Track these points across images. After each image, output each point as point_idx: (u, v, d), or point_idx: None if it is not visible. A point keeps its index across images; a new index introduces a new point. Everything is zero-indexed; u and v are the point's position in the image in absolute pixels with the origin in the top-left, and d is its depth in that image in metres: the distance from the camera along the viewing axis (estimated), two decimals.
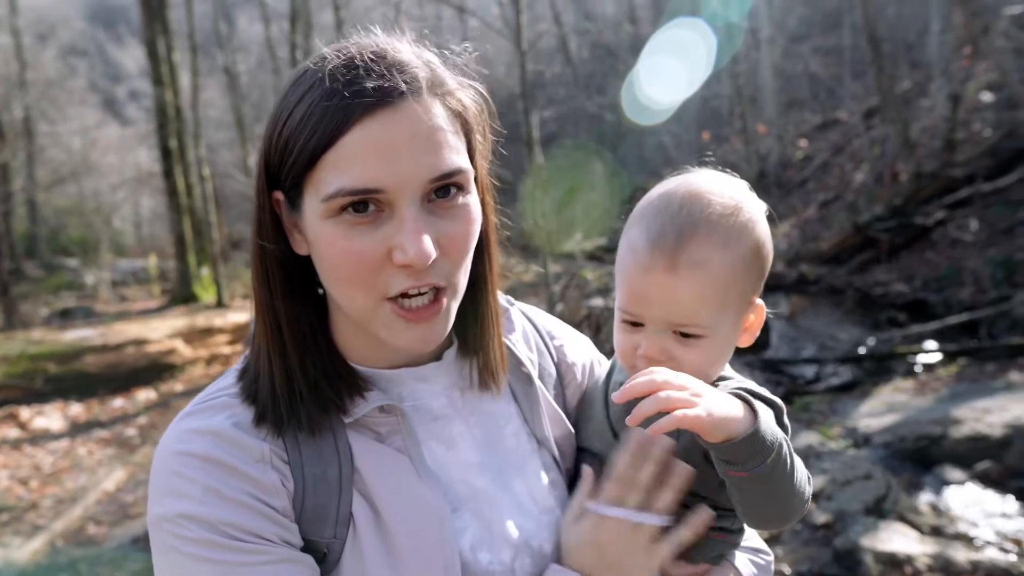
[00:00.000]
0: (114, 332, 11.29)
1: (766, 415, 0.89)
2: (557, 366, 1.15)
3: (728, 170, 1.05)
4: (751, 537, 1.12)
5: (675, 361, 0.96)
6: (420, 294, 0.86)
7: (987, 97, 13.80)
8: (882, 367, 8.52)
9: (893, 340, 9.27)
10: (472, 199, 0.89)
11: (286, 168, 0.85)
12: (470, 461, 0.98)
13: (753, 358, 9.80)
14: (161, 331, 11.26)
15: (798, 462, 0.94)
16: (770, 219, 1.02)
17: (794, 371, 9.27)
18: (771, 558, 1.13)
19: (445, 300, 0.88)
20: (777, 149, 18.97)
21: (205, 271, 16.02)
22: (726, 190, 0.98)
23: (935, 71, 15.61)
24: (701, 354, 0.96)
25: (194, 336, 11.26)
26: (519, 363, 1.06)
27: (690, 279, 0.93)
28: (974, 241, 10.79)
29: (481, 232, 0.94)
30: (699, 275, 0.93)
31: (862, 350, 9.27)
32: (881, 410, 6.75)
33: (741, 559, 1.08)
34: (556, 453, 1.06)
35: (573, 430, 1.10)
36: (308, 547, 0.87)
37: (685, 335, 0.96)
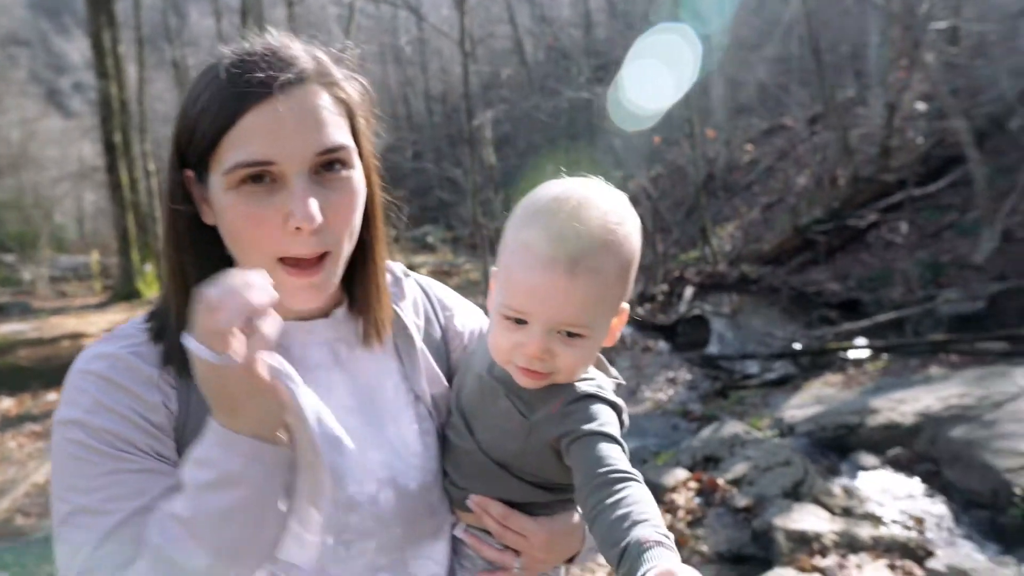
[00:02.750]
0: (49, 326, 11.06)
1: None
2: (444, 332, 1.27)
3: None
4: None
5: (554, 359, 1.01)
6: (309, 256, 1.00)
7: (920, 107, 14.34)
8: (815, 363, 8.83)
9: (825, 337, 9.59)
10: (356, 173, 1.03)
11: (193, 147, 0.99)
12: (345, 404, 1.10)
13: (693, 354, 10.05)
14: (99, 326, 11.07)
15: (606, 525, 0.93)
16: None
17: (733, 367, 9.54)
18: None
19: (329, 261, 1.02)
20: (725, 153, 19.37)
21: (149, 267, 15.76)
22: (614, 200, 1.03)
23: (874, 81, 16.15)
24: (579, 353, 1.03)
25: None
26: (404, 327, 1.18)
27: (586, 283, 0.97)
28: (904, 243, 11.21)
29: (368, 205, 1.08)
30: (594, 280, 0.98)
31: (796, 346, 9.57)
32: (808, 402, 7.00)
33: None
34: (431, 407, 1.18)
35: (451, 390, 1.21)
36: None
37: (570, 335, 1.01)
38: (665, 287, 12.58)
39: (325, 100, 1.00)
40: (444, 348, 1.25)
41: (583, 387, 1.05)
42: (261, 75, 0.95)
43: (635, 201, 1.10)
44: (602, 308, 1.02)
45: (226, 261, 1.05)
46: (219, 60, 0.99)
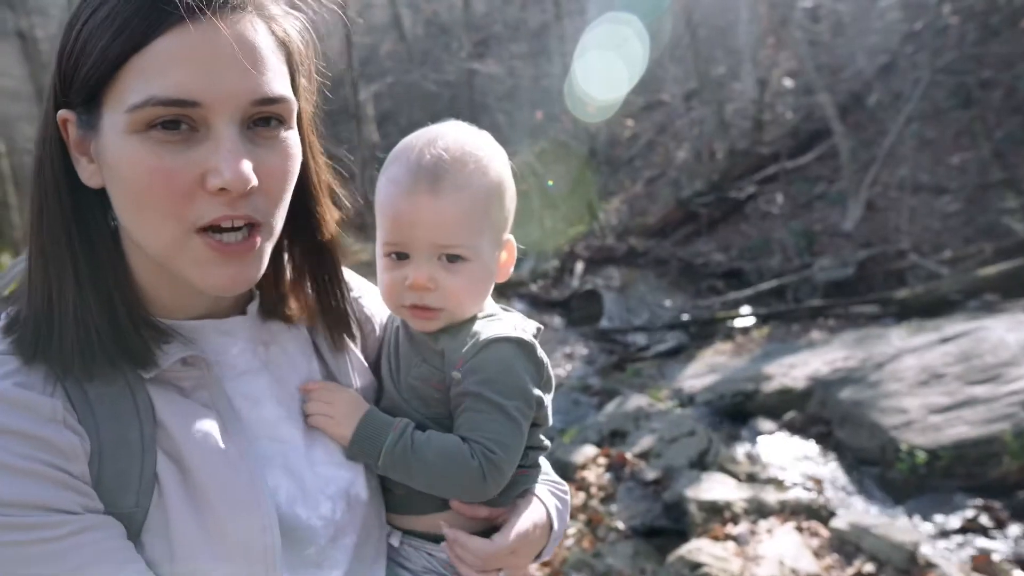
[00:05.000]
0: None
1: (370, 425, 1.00)
2: (356, 317, 1.12)
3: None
4: (548, 471, 1.18)
5: (441, 289, 1.01)
6: (234, 228, 0.80)
7: (788, 83, 15.09)
8: (704, 332, 9.18)
9: (713, 307, 9.99)
10: (293, 135, 0.85)
11: (82, 75, 0.76)
12: (276, 416, 0.95)
13: (588, 329, 10.24)
14: None
15: (434, 447, 1.00)
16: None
17: (627, 340, 9.78)
18: (567, 488, 1.19)
19: (260, 238, 0.83)
20: (606, 129, 19.74)
21: (5, 259, 14.49)
22: (473, 131, 1.06)
23: (745, 57, 16.84)
24: (464, 280, 1.02)
25: None
26: None
27: (452, 199, 0.99)
28: (780, 214, 11.81)
29: (306, 181, 0.91)
30: (460, 196, 1.00)
31: (685, 317, 9.92)
32: (703, 371, 7.28)
33: (542, 490, 1.13)
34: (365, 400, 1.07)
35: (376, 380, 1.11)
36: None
37: (451, 259, 1.01)
38: (556, 263, 12.72)
39: (266, 38, 0.80)
40: (359, 334, 1.12)
41: (482, 333, 1.02)
42: None
43: (521, 178, 1.12)
44: (477, 228, 1.02)
45: (113, 236, 0.84)
46: None
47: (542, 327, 1.12)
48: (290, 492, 0.91)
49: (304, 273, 0.99)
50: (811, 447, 5.36)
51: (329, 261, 1.01)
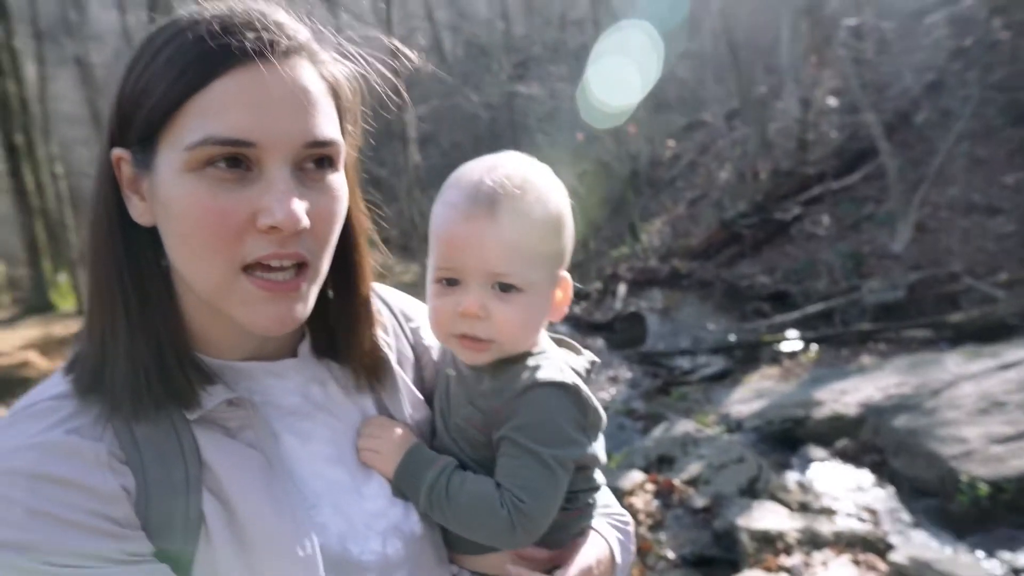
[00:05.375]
0: None
1: (412, 463, 0.99)
2: (414, 348, 1.13)
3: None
4: (610, 503, 1.16)
5: (491, 319, 0.98)
6: (282, 268, 0.81)
7: (832, 102, 14.91)
8: (750, 355, 9.05)
9: (759, 330, 9.86)
10: (341, 178, 0.87)
11: (141, 116, 0.78)
12: (326, 454, 0.95)
13: (631, 352, 10.17)
14: (12, 342, 10.40)
15: (467, 491, 0.98)
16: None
17: (671, 363, 9.69)
18: (629, 519, 1.17)
19: (306, 279, 0.85)
20: (647, 149, 19.70)
21: (62, 277, 14.92)
22: (533, 162, 1.05)
23: (787, 77, 16.71)
24: (517, 311, 0.99)
25: (51, 347, 10.45)
26: None
27: (510, 225, 0.96)
28: (826, 235, 11.63)
29: (347, 224, 0.92)
30: (518, 223, 0.97)
31: (732, 339, 9.80)
32: (750, 396, 7.17)
33: (602, 524, 1.11)
34: (418, 436, 1.05)
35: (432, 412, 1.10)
36: (158, 555, 0.81)
37: (504, 288, 0.98)
38: (598, 284, 12.69)
39: (317, 82, 0.82)
40: (417, 365, 1.12)
41: (527, 376, 0.99)
42: (251, 33, 0.77)
43: None
44: (533, 258, 0.99)
45: (163, 275, 0.86)
46: (192, 13, 0.79)
47: (597, 360, 1.10)
48: (340, 529, 0.91)
49: (342, 315, 1.00)
50: (865, 476, 5.24)
51: (364, 305, 1.01)
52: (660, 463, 5.74)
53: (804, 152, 13.99)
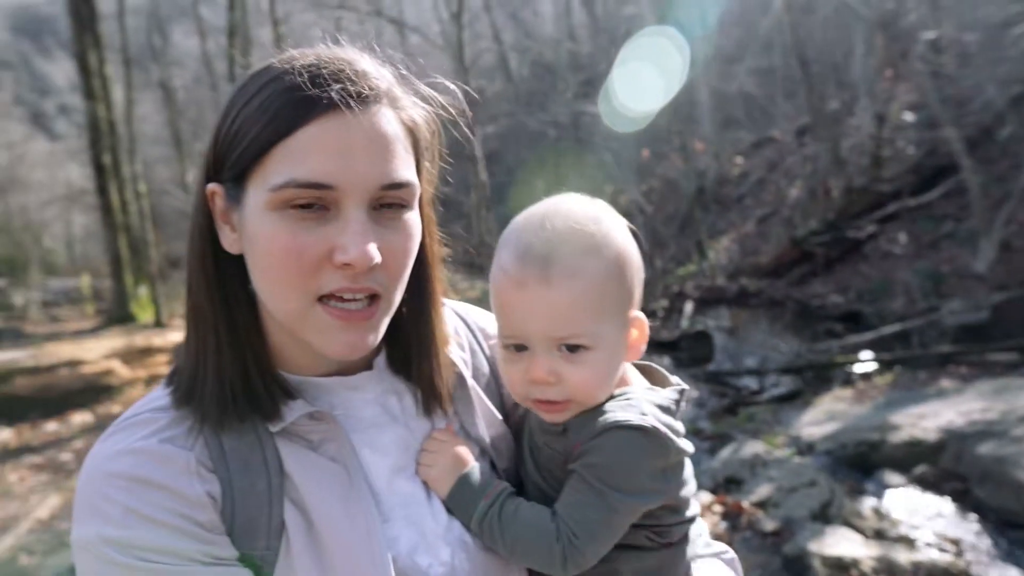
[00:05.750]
0: (46, 353, 10.86)
1: (465, 488, 0.99)
2: (491, 364, 1.15)
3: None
4: (711, 543, 1.13)
5: (563, 382, 0.96)
6: (355, 299, 0.86)
7: (909, 117, 14.46)
8: (821, 377, 8.79)
9: (831, 350, 9.57)
10: (415, 216, 0.91)
11: (234, 156, 0.84)
12: (401, 465, 0.99)
13: (698, 370, 10.00)
14: (97, 351, 10.86)
15: (521, 520, 0.98)
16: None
17: (738, 383, 9.49)
18: (731, 551, 1.15)
19: (378, 310, 0.89)
20: (715, 166, 19.45)
21: (143, 290, 15.56)
22: (586, 205, 1.01)
23: (860, 92, 16.29)
24: (588, 370, 0.96)
25: (132, 356, 10.90)
26: (453, 363, 1.06)
27: (564, 287, 0.94)
28: (903, 254, 11.25)
29: (422, 254, 0.96)
30: (573, 283, 0.94)
31: (803, 358, 9.54)
32: (822, 418, 6.95)
33: (709, 566, 1.09)
34: (492, 453, 1.07)
35: (510, 430, 1.10)
36: (242, 560, 0.86)
37: (571, 349, 0.96)
38: (665, 303, 12.55)
39: (396, 127, 0.87)
40: (494, 382, 1.13)
41: (605, 418, 0.96)
42: (336, 84, 0.82)
43: (629, 216, 1.07)
44: (596, 313, 0.96)
45: (250, 298, 0.92)
46: (284, 61, 0.86)
47: (686, 388, 1.06)
48: (411, 541, 0.94)
49: (414, 335, 1.02)
50: (945, 505, 5.01)
51: (436, 327, 1.03)
52: (728, 484, 5.62)
53: (878, 169, 13.58)
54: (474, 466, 1.01)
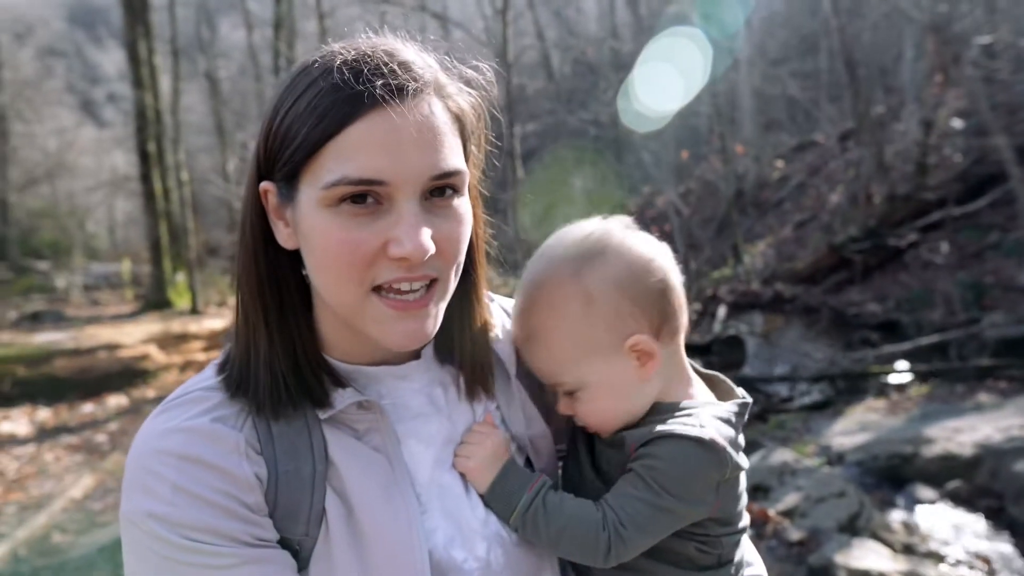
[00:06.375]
0: (86, 336, 11.14)
1: (507, 481, 1.00)
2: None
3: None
4: (755, 563, 1.13)
5: (580, 416, 1.04)
6: (412, 290, 0.87)
7: (957, 124, 14.09)
8: (855, 386, 8.62)
9: (866, 360, 9.38)
10: (465, 202, 0.91)
11: (285, 155, 0.85)
12: (443, 457, 0.99)
13: (729, 375, 9.87)
14: (135, 336, 11.11)
15: (567, 511, 0.99)
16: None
17: (768, 388, 9.35)
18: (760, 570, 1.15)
19: (436, 295, 0.90)
20: (754, 169, 19.18)
21: (180, 277, 15.86)
22: (558, 243, 1.04)
23: (908, 97, 15.94)
24: (591, 406, 1.02)
25: (168, 342, 11.13)
26: (499, 359, 1.07)
27: (536, 349, 1.02)
28: (945, 264, 10.98)
29: (471, 238, 0.96)
30: (539, 344, 1.01)
31: (837, 366, 9.36)
32: (854, 428, 6.82)
33: None
34: (530, 451, 1.08)
35: (549, 429, 1.11)
36: (281, 543, 0.88)
37: (568, 394, 1.03)
38: (698, 306, 12.41)
39: (443, 116, 0.87)
40: (537, 380, 1.13)
41: (664, 428, 0.98)
42: (380, 79, 0.82)
43: (665, 217, 1.09)
44: (577, 359, 1.00)
45: (303, 291, 0.94)
46: (327, 58, 0.85)
47: (749, 401, 1.06)
48: (448, 534, 0.95)
49: (459, 320, 1.03)
50: (979, 522, 4.88)
51: (481, 312, 1.05)
52: (754, 492, 5.54)
53: (924, 176, 13.26)
54: (512, 460, 1.03)
